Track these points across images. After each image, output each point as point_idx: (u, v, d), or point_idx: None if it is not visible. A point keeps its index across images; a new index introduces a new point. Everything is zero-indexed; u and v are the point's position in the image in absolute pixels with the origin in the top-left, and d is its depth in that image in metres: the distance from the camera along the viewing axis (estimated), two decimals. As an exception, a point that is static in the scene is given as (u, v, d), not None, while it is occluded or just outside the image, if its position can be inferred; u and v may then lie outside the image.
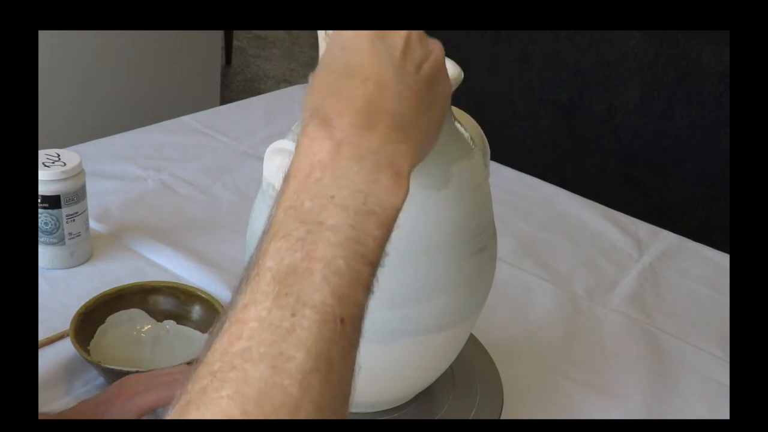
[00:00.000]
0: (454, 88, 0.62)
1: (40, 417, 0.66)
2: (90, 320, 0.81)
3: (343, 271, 0.38)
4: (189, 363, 0.75)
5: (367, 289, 0.39)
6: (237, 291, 0.39)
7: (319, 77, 0.45)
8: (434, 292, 0.62)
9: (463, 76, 0.62)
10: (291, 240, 0.39)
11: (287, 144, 0.60)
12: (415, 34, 0.46)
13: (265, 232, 0.41)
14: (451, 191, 0.61)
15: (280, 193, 0.41)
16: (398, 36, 0.46)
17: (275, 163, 0.62)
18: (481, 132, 0.67)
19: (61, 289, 0.91)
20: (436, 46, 0.48)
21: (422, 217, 0.60)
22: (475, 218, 0.63)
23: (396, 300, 0.61)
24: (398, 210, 0.41)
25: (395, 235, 0.56)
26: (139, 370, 0.74)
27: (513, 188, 1.24)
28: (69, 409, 0.70)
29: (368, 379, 0.66)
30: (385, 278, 0.59)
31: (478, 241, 0.64)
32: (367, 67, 0.44)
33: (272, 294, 0.37)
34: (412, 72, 0.45)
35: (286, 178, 0.42)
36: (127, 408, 0.66)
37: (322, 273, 0.37)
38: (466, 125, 0.66)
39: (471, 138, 0.65)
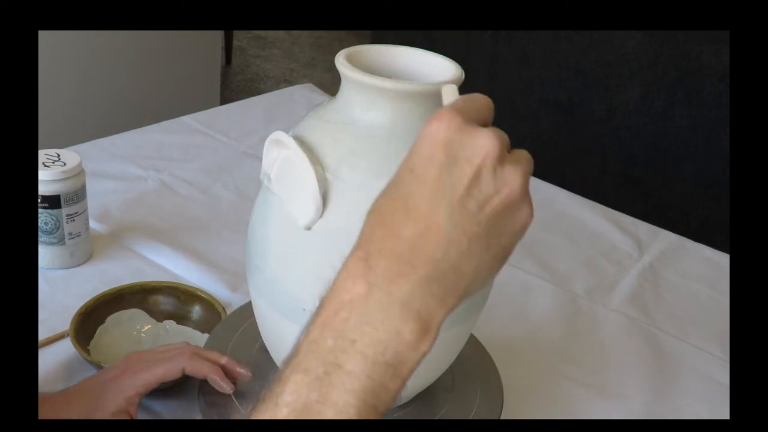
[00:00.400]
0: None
1: (40, 396, 0.67)
2: (90, 320, 0.81)
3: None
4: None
5: None
6: (255, 408, 0.41)
7: (384, 196, 0.44)
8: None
9: (464, 76, 0.62)
10: (310, 376, 0.40)
11: (282, 136, 0.61)
12: (489, 165, 0.42)
13: (289, 357, 0.42)
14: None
15: (310, 321, 0.42)
16: (468, 166, 0.42)
17: (272, 154, 0.62)
18: None
19: (61, 289, 0.91)
20: (514, 177, 0.43)
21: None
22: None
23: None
24: (418, 362, 0.42)
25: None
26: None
27: (513, 188, 1.24)
28: (73, 386, 0.70)
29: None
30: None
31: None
32: (424, 204, 0.42)
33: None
34: (473, 211, 0.42)
35: (319, 307, 0.43)
36: (136, 383, 0.68)
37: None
38: None
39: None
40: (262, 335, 0.70)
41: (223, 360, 0.70)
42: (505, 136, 0.44)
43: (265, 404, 0.41)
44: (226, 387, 0.68)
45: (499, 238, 0.44)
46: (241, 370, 0.70)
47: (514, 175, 0.43)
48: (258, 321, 0.69)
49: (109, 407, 0.67)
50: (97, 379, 0.70)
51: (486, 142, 0.42)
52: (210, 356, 0.70)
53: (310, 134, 0.62)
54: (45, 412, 0.66)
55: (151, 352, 0.72)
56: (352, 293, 0.41)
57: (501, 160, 0.43)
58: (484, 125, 0.45)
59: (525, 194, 0.44)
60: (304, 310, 0.61)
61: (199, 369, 0.69)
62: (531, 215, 0.45)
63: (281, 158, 0.62)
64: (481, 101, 0.46)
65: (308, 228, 0.60)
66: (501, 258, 0.45)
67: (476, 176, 0.42)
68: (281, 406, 0.40)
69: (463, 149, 0.42)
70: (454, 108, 0.44)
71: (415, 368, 0.41)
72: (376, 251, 0.42)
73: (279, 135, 0.61)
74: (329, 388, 0.40)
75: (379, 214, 0.43)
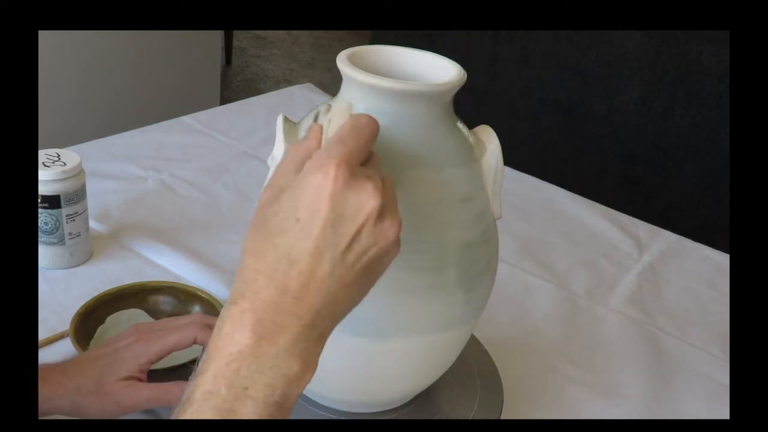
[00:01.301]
0: (456, 89, 0.62)
1: (51, 366, 0.68)
2: (90, 320, 0.81)
3: None
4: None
5: None
6: None
7: (266, 240, 0.47)
8: (426, 294, 0.62)
9: (465, 77, 0.62)
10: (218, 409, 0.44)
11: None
12: (371, 222, 0.46)
13: (184, 407, 0.45)
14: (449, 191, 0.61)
15: (199, 371, 0.46)
16: (352, 224, 0.46)
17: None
18: (498, 155, 0.66)
19: (61, 289, 0.90)
20: (390, 230, 0.47)
21: (422, 220, 0.60)
22: (477, 222, 0.64)
23: (386, 296, 0.61)
24: (298, 395, 0.47)
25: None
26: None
27: (513, 188, 1.24)
28: (84, 354, 0.71)
29: (367, 379, 0.66)
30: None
31: (481, 249, 0.64)
32: (308, 259, 0.45)
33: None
34: (351, 263, 0.46)
35: (208, 357, 0.46)
36: (148, 351, 0.69)
37: None
38: (482, 139, 0.65)
39: (475, 145, 0.65)
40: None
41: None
42: (385, 181, 0.48)
43: None
44: None
45: (368, 278, 0.48)
46: None
47: (391, 228, 0.47)
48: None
49: (121, 372, 0.68)
50: (110, 347, 0.71)
51: (371, 201, 0.46)
52: None
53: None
54: (57, 381, 0.67)
55: (161, 322, 0.73)
56: (241, 345, 0.45)
57: (381, 216, 0.47)
58: (369, 155, 0.48)
59: (397, 240, 0.48)
60: None
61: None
62: (398, 247, 0.48)
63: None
64: (365, 133, 0.48)
65: None
66: (367, 291, 0.49)
67: (358, 233, 0.46)
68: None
69: (348, 207, 0.45)
70: (342, 157, 0.46)
71: (296, 399, 0.46)
72: (260, 302, 0.45)
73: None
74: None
75: (261, 258, 0.46)
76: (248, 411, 0.44)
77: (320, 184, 0.45)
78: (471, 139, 0.64)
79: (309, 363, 0.46)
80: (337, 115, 0.54)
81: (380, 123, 0.60)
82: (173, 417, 0.46)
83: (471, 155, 0.63)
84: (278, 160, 0.61)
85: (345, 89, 0.63)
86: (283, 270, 0.46)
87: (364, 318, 0.61)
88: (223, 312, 0.47)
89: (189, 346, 0.70)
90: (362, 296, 0.49)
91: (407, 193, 0.59)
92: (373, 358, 0.64)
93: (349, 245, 0.46)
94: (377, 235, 0.47)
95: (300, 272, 0.45)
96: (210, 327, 0.70)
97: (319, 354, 0.47)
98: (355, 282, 0.47)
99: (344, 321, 0.61)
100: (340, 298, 0.47)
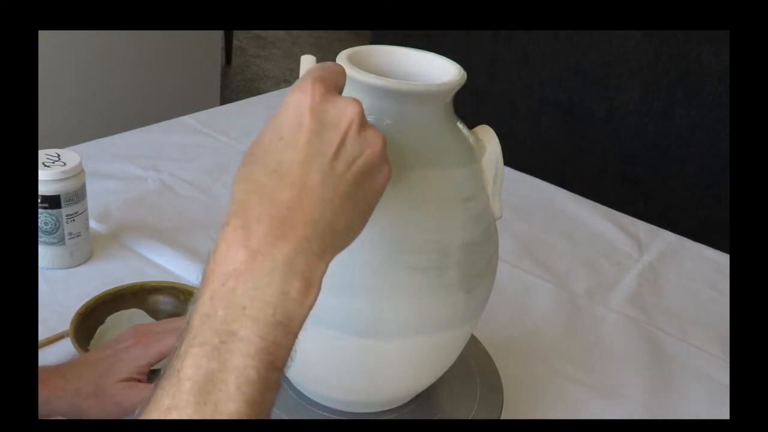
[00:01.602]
0: (456, 89, 0.62)
1: (50, 368, 0.68)
2: (90, 320, 0.81)
3: (255, 380, 0.42)
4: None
5: (276, 389, 0.43)
6: (158, 386, 0.43)
7: (253, 164, 0.47)
8: (426, 294, 0.62)
9: (465, 77, 0.62)
10: (207, 348, 0.42)
11: None
12: (354, 130, 0.46)
13: (182, 334, 0.43)
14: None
15: (198, 295, 0.44)
16: (336, 132, 0.46)
17: None
18: (498, 152, 0.66)
19: (61, 289, 0.90)
20: (375, 140, 0.47)
21: (420, 220, 0.60)
22: (479, 223, 0.63)
23: (387, 296, 0.61)
24: (305, 316, 0.44)
25: (394, 233, 0.56)
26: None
27: (513, 188, 1.24)
28: (83, 356, 0.71)
29: (368, 379, 0.66)
30: (374, 274, 0.60)
31: (481, 248, 0.64)
32: (297, 169, 0.45)
33: (192, 403, 0.41)
34: (341, 172, 0.46)
35: (204, 281, 0.44)
36: (148, 353, 0.69)
37: (236, 383, 0.41)
38: (482, 138, 0.65)
39: (476, 144, 0.65)
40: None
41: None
42: (361, 104, 0.48)
43: (168, 380, 0.42)
44: None
45: (364, 194, 0.47)
46: None
47: (375, 138, 0.47)
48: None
49: (120, 375, 0.68)
50: (109, 349, 0.71)
51: (350, 109, 0.46)
52: None
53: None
54: (56, 383, 0.67)
55: (160, 324, 0.73)
56: (236, 262, 0.43)
57: (363, 125, 0.47)
58: (340, 92, 0.49)
59: (384, 155, 0.48)
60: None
61: None
62: (389, 172, 0.49)
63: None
64: (334, 69, 0.50)
65: None
66: (366, 214, 0.49)
67: (343, 140, 0.46)
68: (184, 380, 0.41)
69: (329, 116, 0.46)
70: (315, 77, 0.47)
71: (303, 321, 0.44)
72: (254, 218, 0.44)
73: None
74: (227, 356, 0.41)
75: (251, 182, 0.46)
76: (249, 332, 0.42)
77: (299, 100, 0.46)
78: (471, 139, 0.64)
79: (312, 281, 0.44)
80: (305, 64, 0.57)
81: (381, 122, 0.60)
82: (175, 345, 0.44)
83: (471, 155, 0.63)
84: None
85: (345, 89, 0.63)
86: (274, 184, 0.45)
87: (364, 318, 0.61)
88: (217, 236, 0.45)
89: None
90: (363, 216, 0.48)
91: (409, 192, 0.59)
92: (373, 358, 0.64)
93: (336, 153, 0.46)
94: (362, 144, 0.47)
95: (291, 183, 0.45)
96: None
97: (322, 273, 0.45)
98: (349, 195, 0.46)
99: (345, 321, 0.61)
100: (337, 211, 0.46)
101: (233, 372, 0.41)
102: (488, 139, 0.65)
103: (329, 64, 0.51)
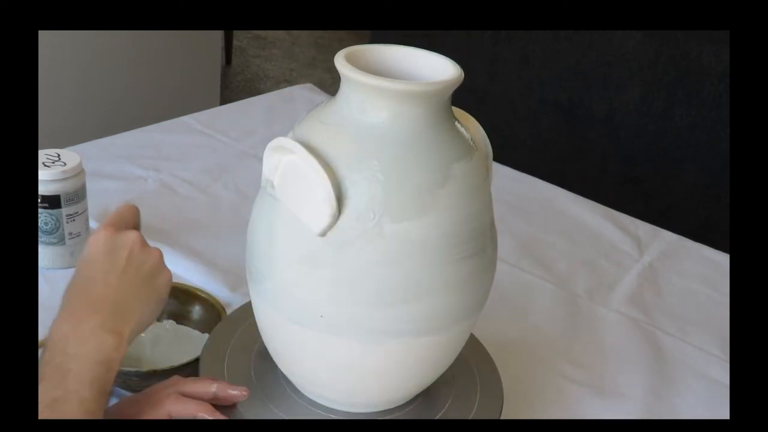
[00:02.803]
0: (454, 88, 0.62)
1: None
2: (90, 320, 0.81)
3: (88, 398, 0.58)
4: (188, 364, 0.76)
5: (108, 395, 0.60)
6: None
7: (73, 279, 0.65)
8: (427, 293, 0.62)
9: (463, 76, 0.62)
10: (51, 382, 0.57)
11: (286, 141, 0.60)
12: (137, 247, 0.65)
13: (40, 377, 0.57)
14: (449, 191, 0.61)
15: (41, 359, 0.59)
16: (124, 249, 0.65)
17: (273, 160, 0.62)
18: (484, 135, 0.67)
19: (61, 289, 0.90)
20: (154, 252, 0.67)
21: (416, 216, 0.60)
22: (472, 221, 0.63)
23: (386, 299, 0.61)
24: (121, 360, 0.61)
25: (390, 233, 0.56)
26: (139, 369, 0.74)
27: (513, 188, 1.24)
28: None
29: (368, 379, 0.66)
30: (375, 277, 0.60)
31: (474, 244, 0.64)
32: (101, 276, 0.64)
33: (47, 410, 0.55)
34: (132, 272, 0.65)
35: (45, 351, 0.60)
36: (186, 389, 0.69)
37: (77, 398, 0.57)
38: (468, 126, 0.66)
39: (471, 139, 0.65)
40: (263, 338, 0.70)
41: (213, 388, 0.68)
42: (139, 233, 0.68)
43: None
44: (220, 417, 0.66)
45: (154, 289, 0.67)
46: (234, 392, 0.68)
47: (153, 252, 0.67)
48: (260, 324, 0.69)
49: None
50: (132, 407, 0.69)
51: (131, 236, 0.66)
52: (197, 391, 0.68)
53: (313, 137, 0.61)
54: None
55: (142, 395, 0.69)
56: (64, 331, 0.60)
57: (143, 244, 0.66)
58: (133, 226, 0.69)
59: (162, 263, 0.68)
60: (321, 316, 0.61)
61: (184, 410, 0.66)
62: (170, 277, 0.68)
63: (284, 164, 0.61)
64: (126, 213, 0.69)
65: (323, 234, 0.59)
66: (158, 301, 0.68)
67: (130, 254, 0.65)
68: (42, 407, 0.54)
69: (118, 242, 0.65)
70: (106, 223, 0.66)
71: (119, 365, 0.61)
72: (76, 306, 0.62)
73: (282, 141, 0.60)
74: (65, 384, 0.57)
75: (72, 289, 0.64)
76: (80, 367, 0.58)
77: (94, 240, 0.65)
78: (467, 135, 0.64)
79: (121, 337, 0.61)
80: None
81: (378, 123, 0.60)
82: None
83: (472, 148, 0.64)
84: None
85: (343, 89, 0.63)
86: (87, 287, 0.64)
87: (365, 319, 0.61)
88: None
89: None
90: (157, 301, 0.67)
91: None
92: (373, 359, 0.64)
93: (127, 262, 0.65)
94: (145, 255, 0.66)
95: (98, 284, 0.63)
96: (186, 395, 0.67)
97: (127, 335, 0.62)
98: (141, 288, 0.65)
99: (345, 323, 0.61)
100: (132, 298, 0.64)
101: (73, 395, 0.57)
102: (474, 127, 0.66)
103: (122, 209, 0.69)
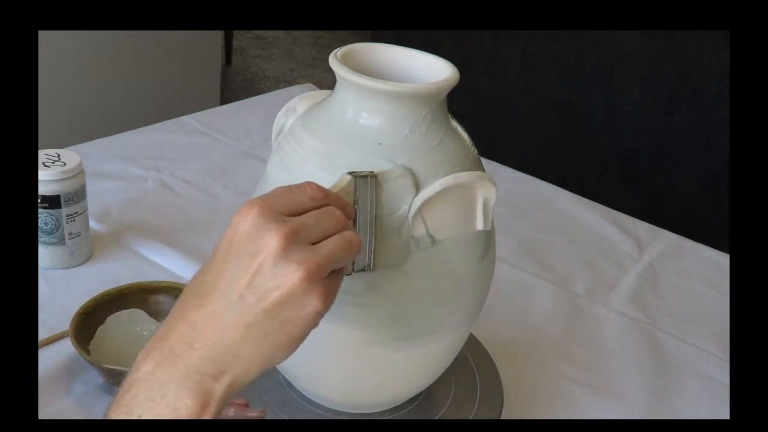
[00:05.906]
0: (447, 90, 0.61)
1: None
2: (90, 320, 0.81)
3: None
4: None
5: None
6: None
7: (195, 276, 0.49)
8: (430, 297, 0.62)
9: (458, 77, 0.61)
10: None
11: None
12: (269, 261, 0.45)
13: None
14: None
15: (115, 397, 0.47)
16: (251, 261, 0.46)
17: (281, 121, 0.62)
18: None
19: (61, 289, 0.90)
20: (293, 274, 0.46)
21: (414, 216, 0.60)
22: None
23: (390, 304, 0.61)
24: None
25: (387, 231, 0.56)
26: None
27: (513, 188, 1.24)
28: None
29: (368, 379, 0.66)
30: (379, 282, 0.60)
31: (477, 249, 0.64)
32: (210, 292, 0.47)
33: None
34: (250, 302, 0.46)
35: (121, 384, 0.47)
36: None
37: None
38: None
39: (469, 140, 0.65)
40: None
41: (230, 413, 0.65)
42: (298, 229, 0.47)
43: None
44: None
45: (282, 326, 0.46)
46: (252, 414, 0.65)
47: (295, 272, 0.45)
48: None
49: None
50: None
51: (268, 240, 0.45)
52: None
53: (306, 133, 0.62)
54: None
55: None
56: (141, 372, 0.46)
57: (284, 256, 0.45)
58: (301, 213, 0.48)
59: (307, 288, 0.46)
60: None
61: None
62: (319, 304, 0.46)
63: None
64: (299, 193, 0.49)
65: None
66: (286, 343, 0.47)
67: (257, 270, 0.46)
68: None
69: (250, 244, 0.46)
70: (262, 200, 0.48)
71: None
72: (166, 331, 0.47)
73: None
74: None
75: (185, 291, 0.49)
76: None
77: (235, 224, 0.47)
78: (466, 137, 0.64)
79: (207, 401, 0.45)
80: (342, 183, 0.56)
81: (374, 122, 0.60)
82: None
83: (468, 145, 0.64)
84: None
85: (338, 89, 0.63)
86: (190, 302, 0.47)
87: (365, 322, 0.61)
88: None
89: None
90: (281, 346, 0.47)
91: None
92: (373, 360, 0.64)
93: (249, 283, 0.46)
94: (278, 276, 0.45)
95: (201, 304, 0.47)
96: None
97: (219, 395, 0.45)
98: (259, 325, 0.46)
99: (346, 325, 0.61)
100: (241, 339, 0.46)
101: None
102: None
103: (301, 186, 0.50)
